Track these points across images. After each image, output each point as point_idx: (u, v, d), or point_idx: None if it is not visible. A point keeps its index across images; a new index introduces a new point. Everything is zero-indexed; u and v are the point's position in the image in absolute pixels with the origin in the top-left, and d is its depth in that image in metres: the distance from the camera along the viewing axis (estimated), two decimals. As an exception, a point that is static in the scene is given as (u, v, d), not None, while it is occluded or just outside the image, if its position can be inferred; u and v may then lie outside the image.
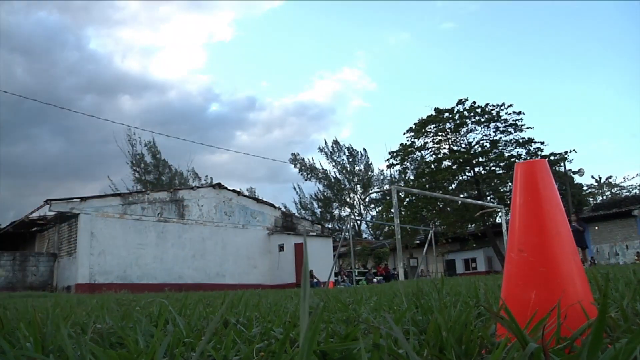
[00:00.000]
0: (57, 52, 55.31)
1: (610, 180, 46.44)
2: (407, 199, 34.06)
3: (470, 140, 34.51)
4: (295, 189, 50.33)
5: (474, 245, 35.15)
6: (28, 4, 53.96)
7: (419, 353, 0.96)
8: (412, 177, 37.33)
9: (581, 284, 1.15)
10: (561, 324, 0.97)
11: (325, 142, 50.70)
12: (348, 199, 49.26)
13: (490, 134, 33.82)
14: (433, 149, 35.44)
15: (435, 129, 34.61)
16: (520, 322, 0.96)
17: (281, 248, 24.32)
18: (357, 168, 49.49)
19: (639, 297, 1.59)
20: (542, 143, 33.03)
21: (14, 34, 49.28)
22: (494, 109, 33.26)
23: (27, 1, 52.83)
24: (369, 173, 49.46)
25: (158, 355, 0.98)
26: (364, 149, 50.69)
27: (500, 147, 33.44)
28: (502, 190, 33.76)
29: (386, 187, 43.84)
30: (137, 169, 42.81)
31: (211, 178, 43.94)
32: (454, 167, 33.82)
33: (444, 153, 35.11)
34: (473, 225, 34.79)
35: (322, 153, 49.67)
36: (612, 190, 46.05)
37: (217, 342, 1.24)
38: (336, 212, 49.67)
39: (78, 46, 56.86)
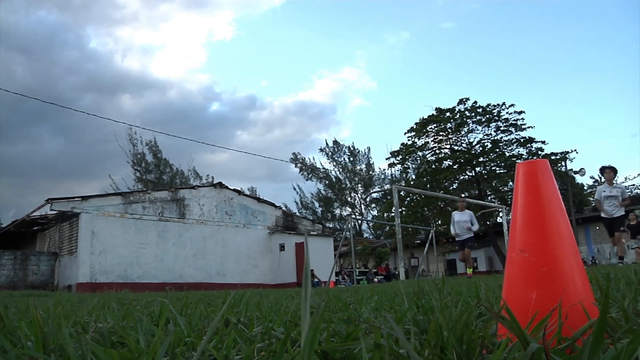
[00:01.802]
0: (57, 51, 55.34)
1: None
2: (408, 199, 34.04)
3: (471, 140, 34.51)
4: (295, 189, 50.35)
5: (475, 244, 35.11)
6: (28, 3, 54.03)
7: (420, 353, 0.96)
8: (413, 177, 37.32)
9: (582, 284, 1.15)
10: (562, 324, 0.97)
11: (326, 143, 50.72)
12: (349, 199, 49.27)
13: (491, 134, 33.82)
14: (434, 148, 35.44)
15: (436, 128, 34.61)
16: (521, 322, 0.96)
17: (282, 247, 24.33)
18: (358, 167, 49.49)
19: (640, 297, 1.59)
20: (543, 142, 33.00)
21: (13, 32, 49.35)
22: (494, 109, 33.23)
23: None
24: (370, 172, 49.46)
25: (159, 355, 0.98)
26: (368, 148, 50.63)
27: (501, 147, 33.42)
28: (503, 190, 33.74)
29: (387, 186, 43.84)
30: (138, 168, 42.87)
31: (212, 177, 43.97)
32: (454, 166, 33.81)
33: (445, 153, 35.12)
34: (475, 224, 34.72)
35: (323, 153, 49.68)
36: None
37: (219, 342, 1.24)
38: (337, 211, 49.70)
39: (78, 45, 56.93)
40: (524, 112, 32.94)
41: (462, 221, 11.86)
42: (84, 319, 2.04)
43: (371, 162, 49.80)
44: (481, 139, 34.09)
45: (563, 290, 1.11)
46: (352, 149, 49.48)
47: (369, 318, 1.63)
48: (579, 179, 38.97)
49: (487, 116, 33.24)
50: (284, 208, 31.04)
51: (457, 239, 12.33)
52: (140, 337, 1.26)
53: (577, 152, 32.44)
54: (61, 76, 54.80)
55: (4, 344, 1.07)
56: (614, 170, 10.09)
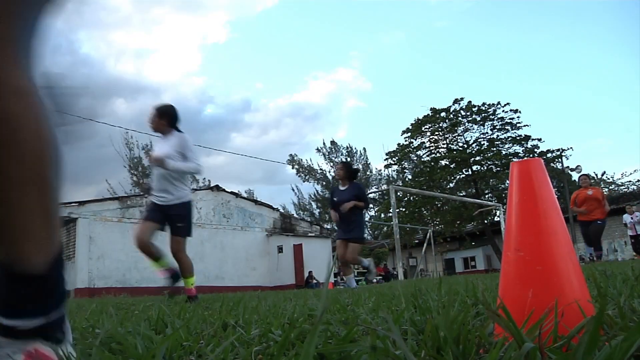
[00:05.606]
0: (49, 57, 55.04)
1: (604, 176, 46.39)
2: (406, 199, 34.10)
3: (467, 139, 34.60)
4: (293, 190, 50.29)
5: (473, 243, 35.19)
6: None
7: (417, 353, 0.96)
8: (409, 177, 37.37)
9: (578, 282, 1.16)
10: (558, 322, 0.98)
11: (324, 143, 50.68)
12: (346, 199, 49.14)
13: (487, 132, 33.92)
14: (430, 148, 35.52)
15: (431, 128, 34.70)
16: (518, 321, 0.96)
17: (280, 249, 24.32)
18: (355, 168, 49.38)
19: (637, 294, 1.60)
20: (539, 140, 33.12)
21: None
22: (490, 108, 33.34)
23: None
24: (367, 173, 49.44)
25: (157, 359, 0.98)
26: (364, 148, 50.62)
27: (497, 145, 33.52)
28: (500, 188, 33.84)
29: (384, 187, 43.85)
30: (135, 172, 42.74)
31: (209, 181, 43.84)
32: (451, 166, 33.88)
33: (441, 152, 35.20)
34: (473, 223, 34.84)
35: (320, 154, 49.62)
36: (610, 187, 46.07)
37: (216, 345, 1.24)
38: (335, 212, 49.47)
39: (70, 50, 56.56)
40: (519, 110, 33.08)
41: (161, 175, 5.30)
42: (81, 325, 2.04)
43: (368, 162, 49.83)
44: (477, 138, 34.19)
45: (559, 289, 1.11)
46: (349, 148, 49.51)
47: (366, 319, 1.63)
48: (575, 176, 39.09)
49: (482, 115, 33.34)
50: (281, 210, 31.03)
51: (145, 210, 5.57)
52: (138, 342, 1.26)
53: (572, 150, 32.53)
54: (54, 82, 54.55)
55: (1, 351, 1.07)
56: None
